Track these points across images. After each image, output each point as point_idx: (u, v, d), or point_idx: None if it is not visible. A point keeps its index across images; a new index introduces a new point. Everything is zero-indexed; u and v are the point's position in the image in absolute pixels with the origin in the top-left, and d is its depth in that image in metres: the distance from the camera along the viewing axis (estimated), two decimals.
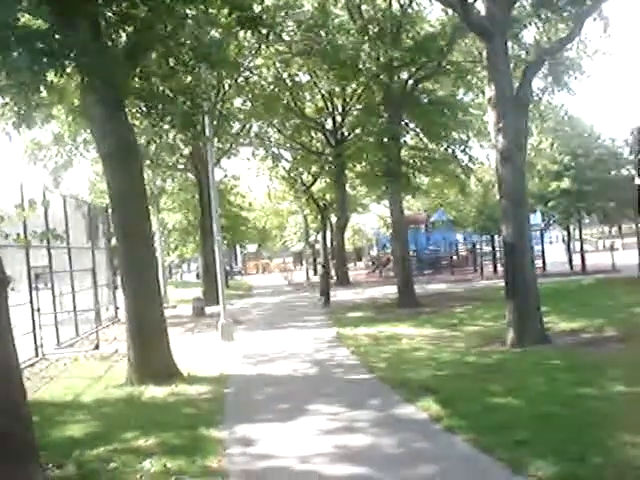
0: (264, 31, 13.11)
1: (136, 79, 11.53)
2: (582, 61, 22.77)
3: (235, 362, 13.60)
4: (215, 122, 21.98)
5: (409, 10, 24.34)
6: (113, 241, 20.71)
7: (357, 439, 7.35)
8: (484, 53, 14.10)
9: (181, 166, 35.47)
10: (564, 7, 14.70)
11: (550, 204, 32.78)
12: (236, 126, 33.72)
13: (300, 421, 8.33)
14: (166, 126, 13.71)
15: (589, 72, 22.99)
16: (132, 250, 12.01)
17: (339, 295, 29.55)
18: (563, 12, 15.21)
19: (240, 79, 29.20)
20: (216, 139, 25.86)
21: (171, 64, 10.92)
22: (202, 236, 31.81)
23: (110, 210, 13.01)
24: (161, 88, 11.81)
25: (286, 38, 26.98)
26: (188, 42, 11.10)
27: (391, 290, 25.59)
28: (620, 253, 31.41)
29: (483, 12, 13.81)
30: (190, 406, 9.63)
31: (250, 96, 31.43)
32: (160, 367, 11.74)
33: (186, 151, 31.22)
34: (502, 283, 14.21)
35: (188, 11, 11.85)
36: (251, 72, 29.98)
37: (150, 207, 23.18)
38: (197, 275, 52.88)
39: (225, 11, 11.50)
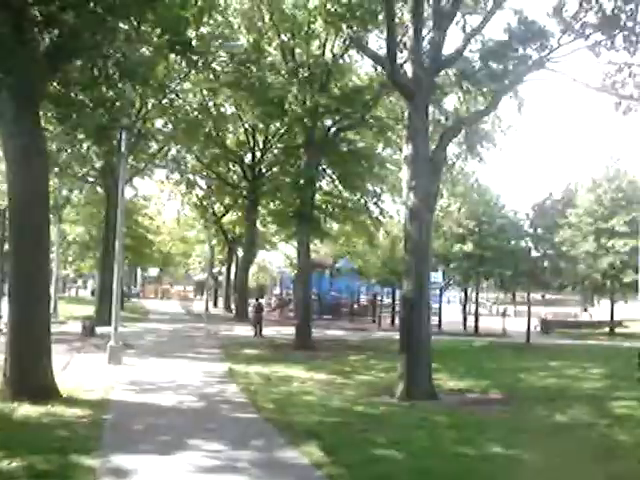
0: (194, 57, 12.99)
1: (55, 84, 11.15)
2: (496, 134, 24.02)
3: (120, 387, 13.08)
4: (132, 139, 21.56)
5: (340, 61, 24.96)
6: (6, 246, 19.65)
7: None
8: (406, 113, 14.61)
9: (91, 179, 34.39)
10: (484, 82, 15.49)
11: (452, 265, 33.88)
12: (154, 146, 33.17)
13: (179, 456, 8.05)
14: (81, 136, 13.30)
15: (501, 145, 24.28)
16: (25, 257, 11.39)
17: (236, 330, 29.19)
18: (483, 86, 16.02)
19: (165, 100, 28.88)
20: (131, 157, 25.32)
21: (94, 75, 10.62)
22: (103, 253, 30.77)
23: (7, 213, 12.34)
24: (80, 97, 11.46)
25: (217, 68, 27.02)
26: (115, 56, 10.83)
27: (289, 331, 25.53)
28: (512, 319, 32.83)
29: (409, 74, 14.37)
30: (65, 429, 9.12)
31: (172, 119, 31.08)
32: (38, 384, 11.08)
33: (99, 164, 30.38)
34: (398, 336, 14.46)
35: (120, 25, 11.68)
36: (177, 95, 29.70)
37: (51, 216, 22.30)
38: (92, 292, 50.94)
39: (158, 31, 11.39)
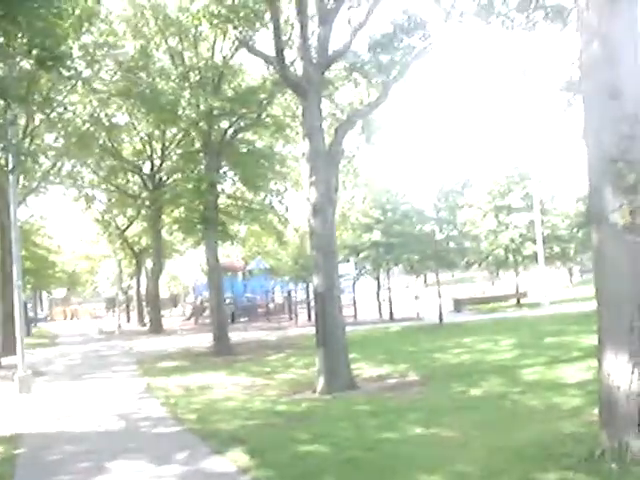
0: (65, 73, 12.44)
1: None
2: (392, 123, 24.58)
3: (32, 418, 12.50)
4: (21, 158, 20.61)
5: (231, 62, 24.80)
6: None
7: None
8: (300, 109, 14.72)
9: None
10: (373, 74, 15.83)
11: (362, 255, 34.39)
12: (46, 163, 31.85)
13: None
14: None
15: (398, 134, 24.90)
16: None
17: (151, 344, 28.53)
18: (372, 78, 16.36)
19: (53, 115, 27.78)
20: (22, 176, 24.21)
21: None
22: (2, 280, 29.23)
23: None
24: None
25: (105, 77, 26.27)
26: None
27: (207, 338, 25.21)
28: (425, 302, 33.70)
29: (300, 71, 14.49)
30: None
31: (63, 133, 29.96)
32: None
33: None
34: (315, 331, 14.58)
35: None
36: (65, 108, 28.64)
37: None
38: None
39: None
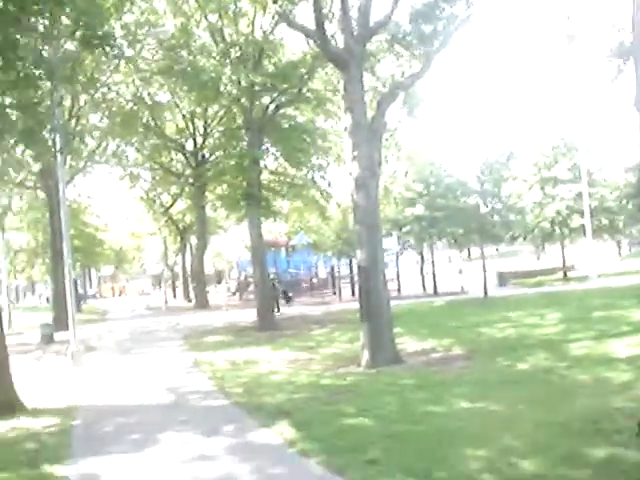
0: (111, 52, 12.54)
1: None
2: (434, 95, 24.18)
3: (85, 391, 12.90)
4: (68, 139, 21.00)
5: (271, 37, 24.68)
6: None
7: (212, 468, 7.19)
8: (341, 83, 14.58)
9: (30, 183, 33.43)
10: (415, 45, 15.54)
11: (405, 229, 34.15)
12: (91, 143, 32.40)
13: (152, 452, 8.03)
14: (12, 141, 12.84)
15: (442, 107, 24.47)
16: None
17: (197, 319, 29.02)
18: (414, 50, 16.08)
19: (97, 95, 28.18)
20: (69, 156, 24.68)
21: (12, 78, 10.18)
22: (53, 258, 30.06)
23: None
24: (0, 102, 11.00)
25: (147, 56, 26.45)
26: (32, 56, 10.37)
27: (251, 313, 25.51)
28: (469, 276, 33.43)
29: (341, 44, 14.33)
30: (33, 441, 8.97)
31: (107, 113, 30.40)
32: (0, 400, 10.85)
33: (36, 168, 29.55)
34: (358, 306, 14.59)
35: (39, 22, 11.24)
36: (109, 88, 29.02)
37: None
38: (47, 299, 49.84)
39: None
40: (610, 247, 50.46)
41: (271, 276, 31.15)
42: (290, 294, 32.71)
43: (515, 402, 8.98)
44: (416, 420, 8.42)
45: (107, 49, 11.17)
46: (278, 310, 28.78)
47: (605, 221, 36.46)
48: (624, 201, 37.09)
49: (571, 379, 10.48)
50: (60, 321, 25.20)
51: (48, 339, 22.64)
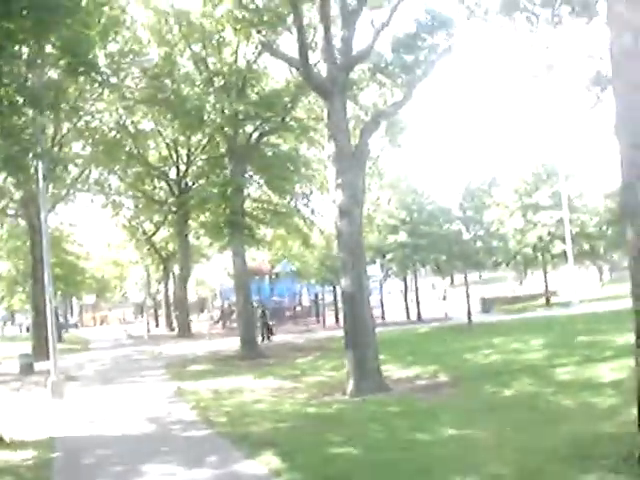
0: (98, 78, 12.55)
1: None
2: (416, 123, 24.46)
3: (65, 423, 12.65)
4: (51, 166, 20.91)
5: (255, 66, 24.91)
6: None
7: None
8: (325, 111, 14.70)
9: (11, 211, 33.15)
10: (397, 74, 15.74)
11: (388, 256, 34.23)
12: (74, 171, 32.27)
13: None
14: None
15: (423, 135, 24.77)
16: None
17: (180, 348, 28.73)
18: (396, 78, 16.27)
19: (80, 123, 28.16)
20: (51, 184, 24.56)
21: None
22: (33, 286, 29.64)
23: None
24: None
25: (131, 85, 26.52)
26: (16, 83, 10.34)
27: (235, 342, 25.30)
28: (452, 302, 33.50)
29: (324, 73, 14.48)
30: (12, 475, 8.76)
31: (90, 141, 30.34)
32: None
33: (17, 195, 29.34)
34: (343, 333, 14.52)
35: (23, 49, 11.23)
36: (92, 116, 29.05)
37: None
38: (27, 328, 49.13)
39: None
40: (591, 273, 50.84)
41: (258, 304, 31.42)
42: (272, 323, 32.63)
43: (502, 428, 8.94)
44: (403, 448, 8.35)
45: (93, 76, 11.18)
46: (269, 338, 29.27)
47: (586, 247, 36.79)
48: (605, 227, 37.48)
49: (557, 404, 10.48)
50: (40, 351, 24.80)
51: (27, 369, 22.20)
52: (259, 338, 28.07)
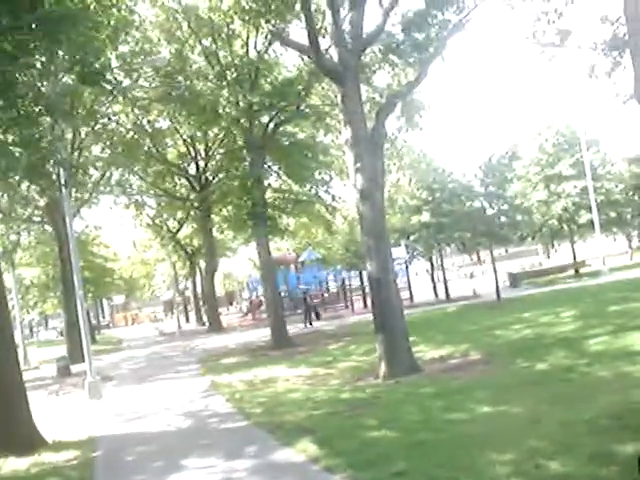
0: (108, 87, 12.62)
1: None
2: (432, 102, 24.28)
3: (104, 422, 12.87)
4: (72, 172, 21.13)
5: (266, 56, 24.86)
6: None
7: None
8: (339, 96, 14.63)
9: (37, 218, 33.63)
10: (409, 53, 15.58)
11: (412, 237, 34.13)
12: (95, 174, 32.64)
13: (176, 478, 7.98)
14: (17, 177, 12.90)
15: (440, 112, 24.52)
16: None
17: (211, 342, 28.99)
18: (409, 58, 16.11)
19: (97, 126, 28.40)
20: (74, 189, 24.82)
21: (12, 115, 10.23)
22: (64, 291, 30.12)
23: None
24: (2, 140, 11.05)
25: (144, 84, 26.66)
26: (29, 94, 10.42)
27: (265, 332, 25.46)
28: (480, 279, 33.32)
29: (335, 58, 14.39)
30: (56, 476, 8.95)
31: (109, 143, 30.61)
32: (20, 436, 10.82)
33: (42, 202, 29.73)
34: (372, 317, 14.53)
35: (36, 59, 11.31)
36: (109, 119, 29.25)
37: (3, 263, 21.63)
38: (60, 332, 49.99)
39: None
40: (620, 241, 50.19)
41: (304, 290, 33.52)
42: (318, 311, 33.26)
43: (537, 403, 8.89)
44: (439, 428, 8.35)
45: (104, 84, 11.25)
46: (311, 323, 29.84)
47: (613, 214, 36.30)
48: (631, 193, 36.93)
49: (592, 376, 10.37)
50: (75, 353, 25.24)
51: (64, 372, 22.63)
52: (304, 324, 29.65)
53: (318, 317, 30.38)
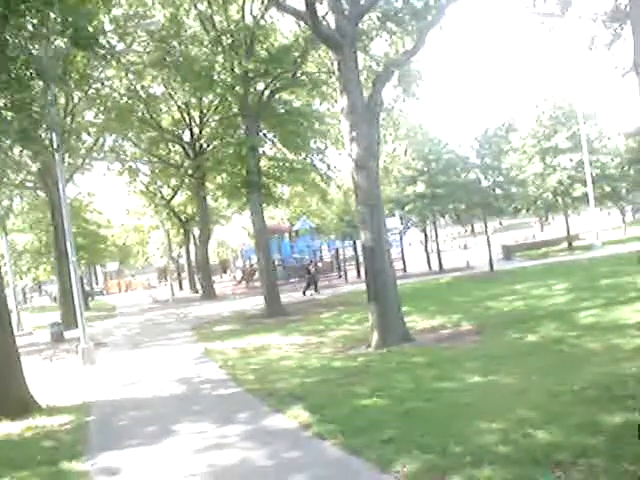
0: (100, 51, 12.41)
1: None
2: (430, 71, 24.01)
3: (98, 387, 12.95)
4: (64, 136, 20.93)
5: (262, 22, 24.48)
6: None
7: (228, 455, 7.21)
8: (335, 64, 14.46)
9: (30, 184, 33.35)
10: (407, 21, 15.39)
11: (407, 208, 34.09)
12: (88, 140, 32.33)
13: (168, 443, 8.06)
14: (8, 141, 12.75)
15: (437, 82, 24.30)
16: None
17: (205, 310, 29.08)
18: (407, 26, 15.91)
19: (91, 91, 28.02)
20: (66, 154, 24.62)
21: (3, 79, 10.05)
22: (57, 257, 30.02)
23: None
24: None
25: (138, 49, 26.27)
26: (21, 57, 10.22)
27: (259, 301, 25.54)
28: (474, 251, 33.42)
29: (333, 24, 14.19)
30: (50, 439, 9.01)
31: (102, 109, 30.25)
32: (14, 400, 10.89)
33: (34, 168, 29.47)
34: (365, 287, 14.58)
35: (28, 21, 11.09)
36: (102, 84, 28.82)
37: None
38: (54, 298, 50.00)
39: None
40: (614, 215, 50.31)
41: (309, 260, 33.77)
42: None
43: (527, 373, 8.98)
44: (429, 397, 8.43)
45: (96, 48, 11.05)
46: (304, 293, 29.82)
47: (608, 189, 36.29)
48: (626, 167, 36.86)
49: (582, 348, 10.48)
50: (69, 319, 25.30)
51: (58, 338, 22.71)
52: (307, 291, 29.89)
53: (316, 288, 30.34)
